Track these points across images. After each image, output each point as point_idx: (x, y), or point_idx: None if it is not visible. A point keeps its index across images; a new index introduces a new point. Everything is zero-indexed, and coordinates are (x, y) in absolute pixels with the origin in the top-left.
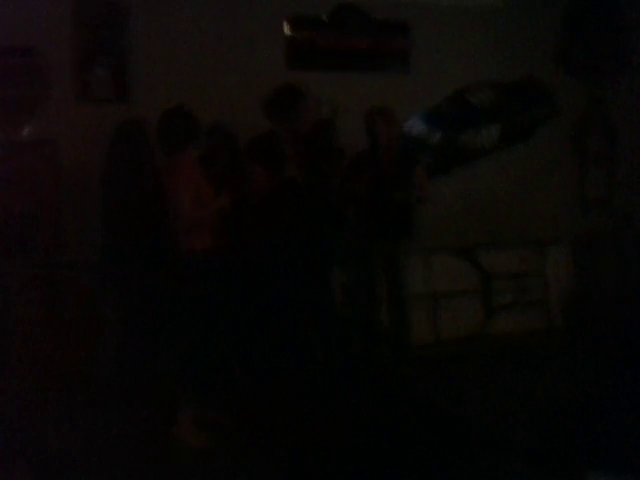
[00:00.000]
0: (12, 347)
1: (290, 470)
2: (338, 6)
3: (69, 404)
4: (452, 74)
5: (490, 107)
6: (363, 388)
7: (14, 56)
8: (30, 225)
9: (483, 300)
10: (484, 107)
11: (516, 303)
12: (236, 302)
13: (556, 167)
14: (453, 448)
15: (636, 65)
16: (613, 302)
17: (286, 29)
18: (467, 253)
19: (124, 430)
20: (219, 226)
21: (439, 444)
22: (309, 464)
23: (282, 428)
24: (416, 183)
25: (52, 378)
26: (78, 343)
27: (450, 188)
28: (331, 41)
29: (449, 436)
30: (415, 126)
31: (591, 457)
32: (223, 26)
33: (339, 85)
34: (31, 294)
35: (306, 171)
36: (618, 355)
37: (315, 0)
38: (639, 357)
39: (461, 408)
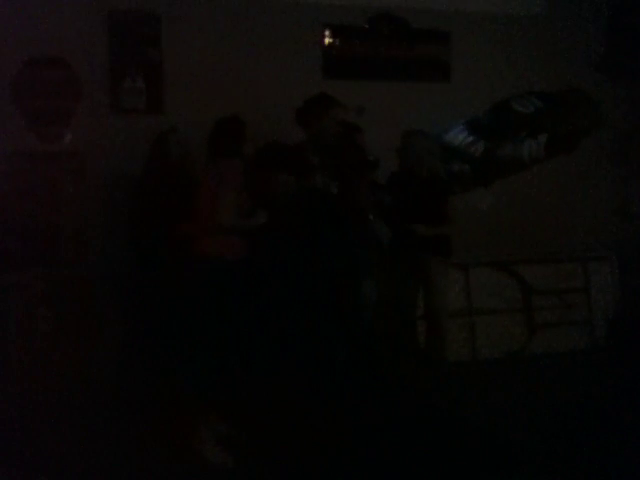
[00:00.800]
0: (13, 349)
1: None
2: (377, 15)
3: (74, 414)
4: (493, 84)
5: (537, 117)
6: (392, 408)
7: (47, 67)
8: (54, 236)
9: (524, 317)
10: (531, 116)
11: (560, 321)
12: (260, 312)
13: (599, 179)
14: (492, 473)
15: None
16: None
17: (324, 38)
18: (507, 267)
19: (141, 442)
20: (249, 235)
21: (477, 469)
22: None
23: (303, 443)
24: (448, 214)
25: (56, 384)
26: (85, 350)
27: (490, 200)
28: (369, 50)
29: (487, 460)
30: (457, 136)
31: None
32: (259, 35)
33: (377, 94)
34: (35, 297)
35: (338, 182)
36: None
37: (354, 9)
38: None
39: (498, 431)
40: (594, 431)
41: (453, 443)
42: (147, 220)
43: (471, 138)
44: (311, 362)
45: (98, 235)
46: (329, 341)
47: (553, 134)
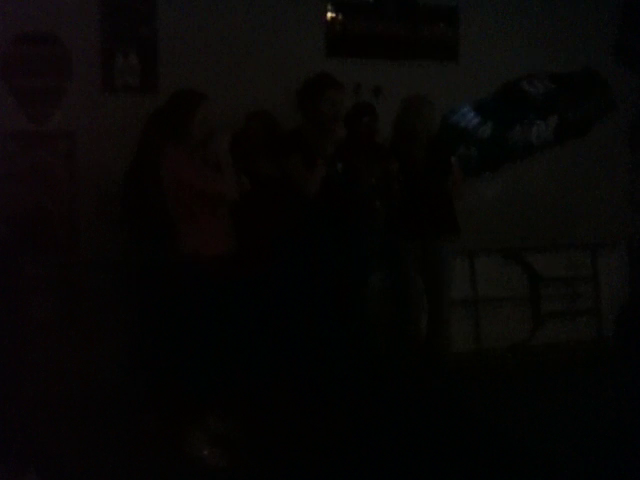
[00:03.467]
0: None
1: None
2: None
3: (81, 415)
4: (503, 64)
5: (547, 98)
6: (394, 399)
7: (37, 44)
8: (45, 221)
9: (531, 307)
10: (541, 99)
11: (567, 310)
12: (260, 305)
13: (610, 166)
14: (493, 465)
15: None
16: None
17: (327, 14)
18: (514, 255)
19: (137, 443)
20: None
21: (477, 460)
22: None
23: (302, 439)
24: (453, 175)
25: (63, 382)
26: (88, 348)
27: (497, 186)
28: (374, 27)
29: (489, 452)
30: (463, 116)
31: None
32: (259, 11)
33: (382, 74)
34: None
35: (341, 165)
36: None
37: None
38: None
39: (503, 422)
40: (601, 422)
41: (458, 440)
42: (139, 209)
43: (478, 120)
44: (312, 358)
45: (91, 219)
46: (331, 335)
47: (564, 117)
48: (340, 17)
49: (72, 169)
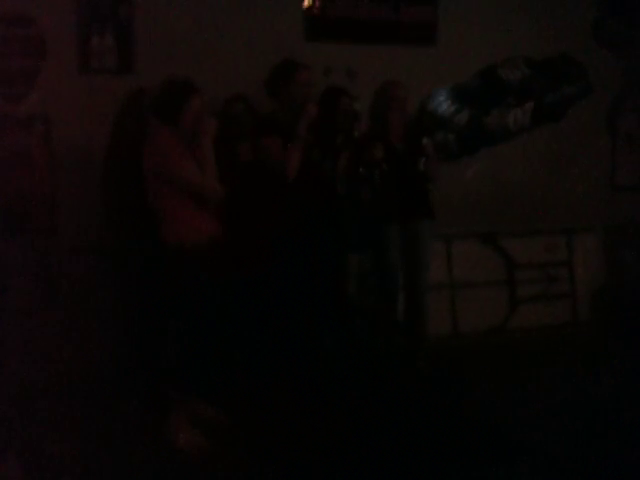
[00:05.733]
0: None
1: (294, 473)
2: None
3: (61, 400)
4: (481, 47)
5: (524, 84)
6: (374, 382)
7: (10, 24)
8: (22, 204)
9: (507, 291)
10: (518, 84)
11: (542, 295)
12: (240, 292)
13: (586, 150)
14: (469, 448)
15: None
16: None
17: None
18: (490, 240)
19: (117, 428)
20: (223, 211)
21: (454, 443)
22: (314, 465)
23: (286, 426)
24: (426, 157)
25: (46, 372)
26: (73, 336)
27: (473, 170)
28: (353, 11)
29: (465, 435)
30: (441, 103)
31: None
32: None
33: (361, 58)
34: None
35: (314, 150)
36: None
37: None
38: None
39: (479, 406)
40: (578, 405)
41: (446, 433)
42: (118, 193)
43: (455, 106)
44: (295, 342)
45: (69, 202)
46: (314, 319)
47: (540, 102)
48: (318, 1)
49: (49, 151)
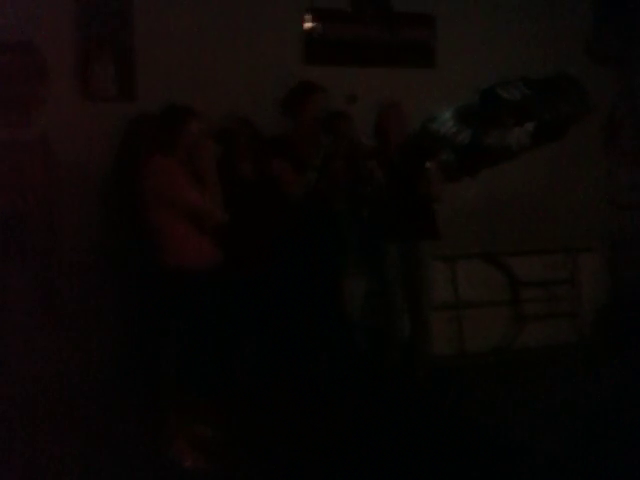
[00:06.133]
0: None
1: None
2: None
3: (63, 409)
4: (480, 69)
5: (524, 104)
6: (375, 402)
7: (12, 52)
8: (25, 226)
9: (512, 310)
10: (518, 104)
11: (547, 313)
12: (240, 307)
13: (587, 167)
14: (468, 450)
15: None
16: None
17: (304, 21)
18: (494, 259)
19: (117, 429)
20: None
21: (459, 463)
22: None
23: (285, 440)
24: (429, 179)
25: (47, 382)
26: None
27: (476, 190)
28: (353, 35)
29: (470, 453)
30: (442, 125)
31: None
32: (238, 18)
33: (360, 80)
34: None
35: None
36: None
37: None
38: None
39: (484, 425)
40: (582, 425)
41: (445, 442)
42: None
43: (457, 127)
44: (294, 360)
45: (70, 226)
46: (318, 339)
47: (541, 122)
48: (318, 24)
49: (49, 176)
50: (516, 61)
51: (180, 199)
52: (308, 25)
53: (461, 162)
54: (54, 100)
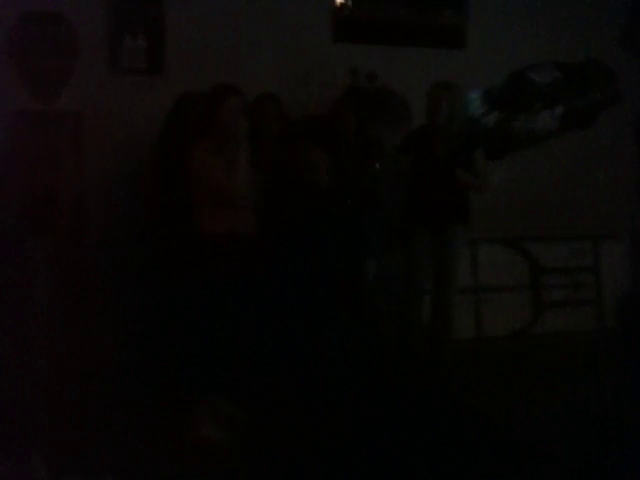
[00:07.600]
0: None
1: (309, 470)
2: None
3: (78, 396)
4: (510, 52)
5: (554, 88)
6: (394, 384)
7: (43, 23)
8: (51, 203)
9: (532, 296)
10: (548, 87)
11: (568, 300)
12: (259, 289)
13: (614, 157)
14: (488, 453)
15: None
16: None
17: None
18: (516, 245)
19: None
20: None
21: (474, 448)
22: (330, 463)
23: (302, 425)
24: (476, 169)
25: (67, 368)
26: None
27: (500, 175)
28: (383, 13)
29: (485, 441)
30: (470, 106)
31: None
32: None
33: (389, 60)
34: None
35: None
36: None
37: None
38: None
39: (501, 411)
40: (602, 413)
41: (460, 436)
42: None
43: (484, 108)
44: (314, 341)
45: (98, 202)
46: (332, 326)
47: (569, 107)
48: (348, 3)
49: (78, 150)
50: (547, 46)
51: (208, 177)
52: (338, 2)
53: (487, 145)
54: (84, 72)
